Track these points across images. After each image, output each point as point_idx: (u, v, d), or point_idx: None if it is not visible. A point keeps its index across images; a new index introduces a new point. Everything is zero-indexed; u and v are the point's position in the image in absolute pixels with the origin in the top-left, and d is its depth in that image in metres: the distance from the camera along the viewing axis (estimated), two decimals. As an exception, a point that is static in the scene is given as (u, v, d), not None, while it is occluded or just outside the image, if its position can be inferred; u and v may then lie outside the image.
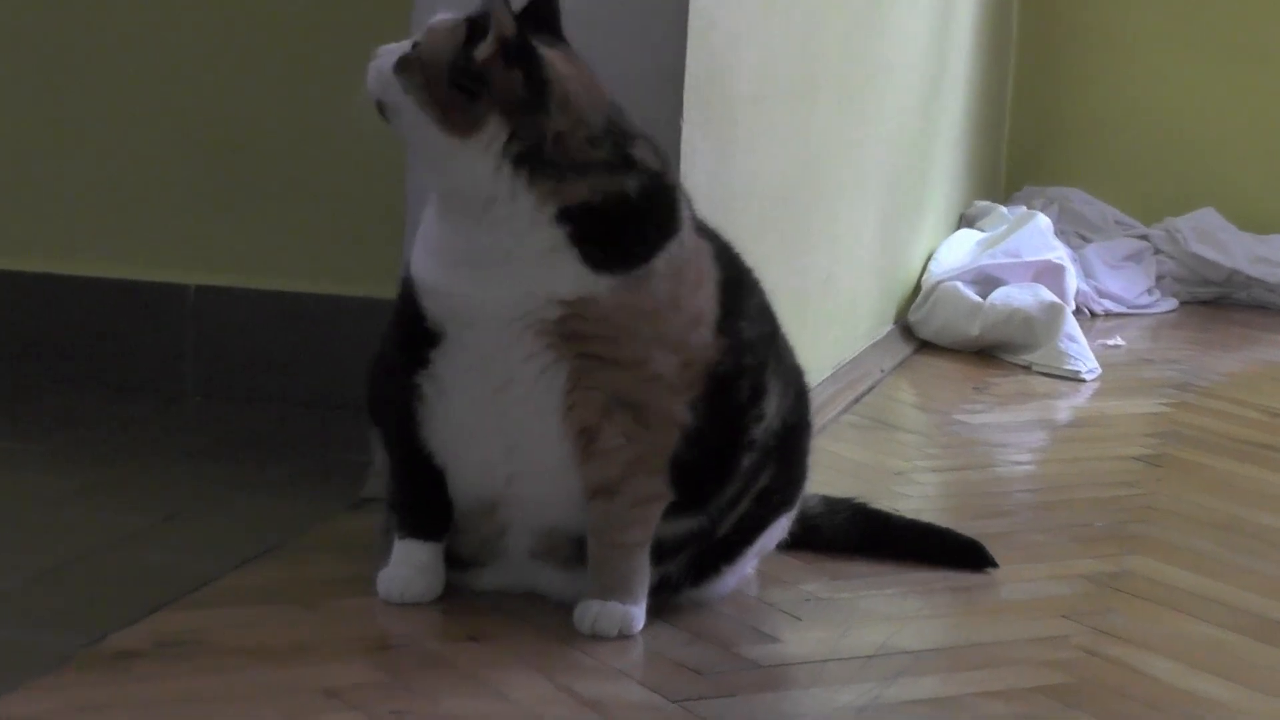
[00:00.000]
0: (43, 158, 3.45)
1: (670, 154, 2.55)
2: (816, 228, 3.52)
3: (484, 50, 2.07)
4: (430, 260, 2.16)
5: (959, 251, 4.54)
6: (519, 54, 2.08)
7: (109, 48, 3.41)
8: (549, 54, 2.11)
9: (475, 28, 2.08)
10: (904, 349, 4.14)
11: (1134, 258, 5.16)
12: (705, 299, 2.17)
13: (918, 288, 4.40)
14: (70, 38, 3.43)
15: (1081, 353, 4.05)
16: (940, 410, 3.65)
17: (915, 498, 2.92)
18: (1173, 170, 5.56)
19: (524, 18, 2.11)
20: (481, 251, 2.10)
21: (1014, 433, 3.50)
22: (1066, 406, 3.78)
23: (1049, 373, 4.01)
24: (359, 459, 2.70)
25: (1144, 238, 5.28)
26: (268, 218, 3.37)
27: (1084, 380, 3.97)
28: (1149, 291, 5.05)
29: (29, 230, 3.45)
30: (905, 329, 4.27)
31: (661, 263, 2.12)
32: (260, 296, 3.36)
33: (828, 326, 3.60)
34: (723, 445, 2.20)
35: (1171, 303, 5.08)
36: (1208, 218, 5.32)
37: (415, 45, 2.11)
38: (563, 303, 2.09)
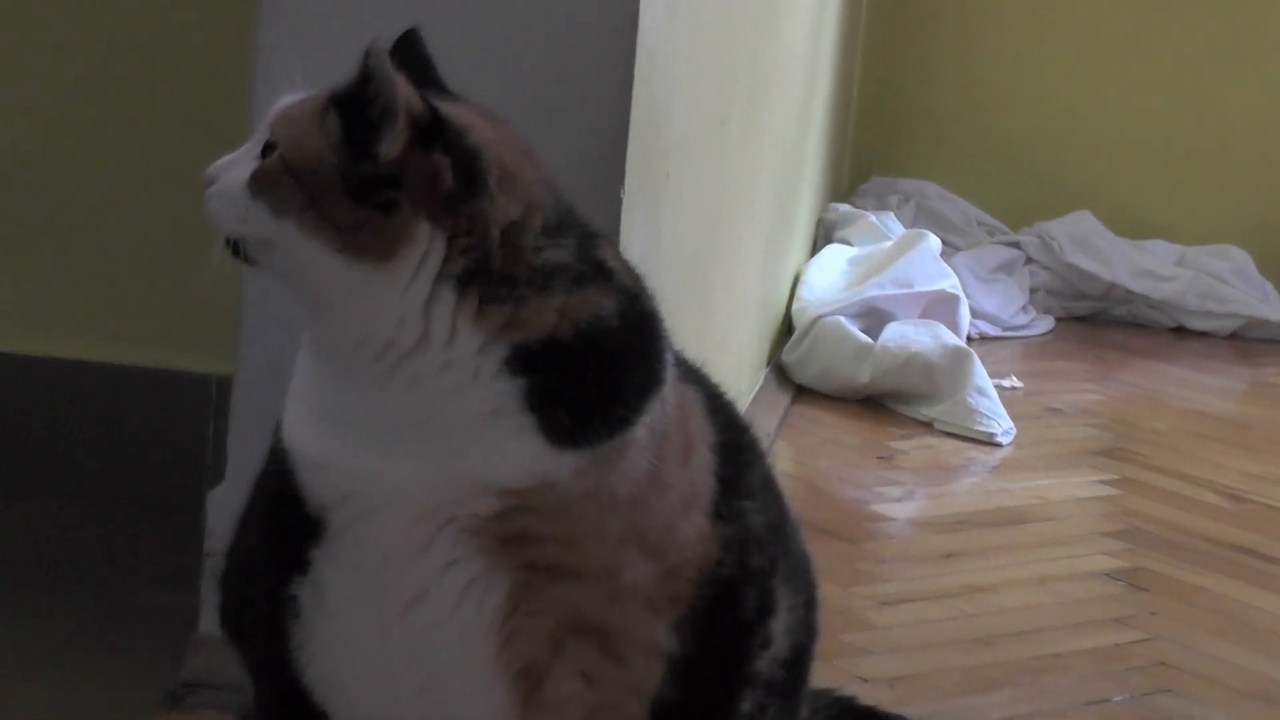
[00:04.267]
0: None
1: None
2: (721, 279, 2.85)
3: (394, 143, 1.39)
4: (312, 422, 1.47)
5: (832, 274, 3.90)
6: (437, 131, 1.40)
7: None
8: (457, 113, 1.44)
9: (349, 107, 1.40)
10: (782, 399, 3.49)
11: (1005, 268, 4.56)
12: (699, 471, 1.52)
13: (787, 318, 3.75)
14: None
15: (995, 410, 3.45)
16: (851, 497, 3.03)
17: (880, 654, 2.38)
18: (1041, 166, 4.95)
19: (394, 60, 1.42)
20: (388, 415, 1.43)
21: (952, 534, 2.89)
22: (997, 489, 3.15)
23: (957, 433, 3.40)
24: (173, 601, 2.06)
25: (1014, 244, 4.68)
26: (51, 268, 2.64)
27: (1000, 444, 3.38)
28: (1024, 309, 4.47)
29: None
30: (779, 371, 3.61)
31: (643, 428, 1.46)
32: (38, 365, 2.63)
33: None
34: (718, 681, 1.55)
35: (1048, 321, 4.50)
36: (1083, 222, 4.74)
37: (268, 148, 1.42)
38: (506, 492, 1.42)
